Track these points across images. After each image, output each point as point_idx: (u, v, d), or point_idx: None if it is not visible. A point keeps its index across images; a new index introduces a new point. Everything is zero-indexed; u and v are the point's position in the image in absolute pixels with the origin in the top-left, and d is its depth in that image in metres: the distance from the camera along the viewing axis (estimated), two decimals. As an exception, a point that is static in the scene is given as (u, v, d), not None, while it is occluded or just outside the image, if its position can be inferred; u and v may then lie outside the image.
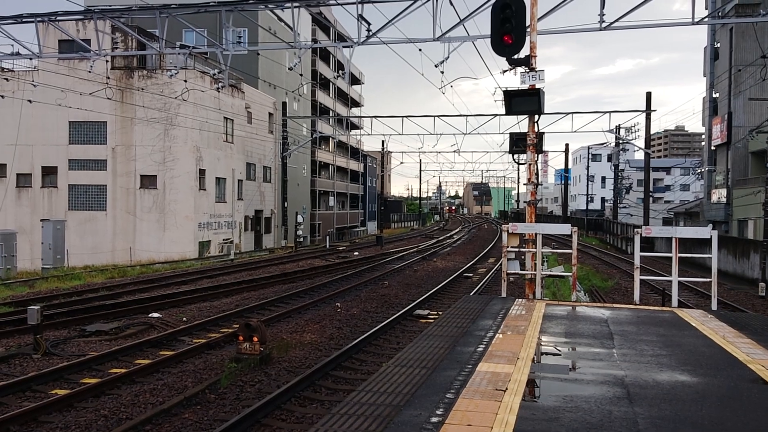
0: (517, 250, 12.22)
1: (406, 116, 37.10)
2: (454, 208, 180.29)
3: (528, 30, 11.99)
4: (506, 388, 5.70)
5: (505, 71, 12.89)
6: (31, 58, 22.13)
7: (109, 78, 34.29)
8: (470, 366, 6.48)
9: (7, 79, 35.87)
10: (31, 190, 37.84)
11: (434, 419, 4.89)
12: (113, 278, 24.34)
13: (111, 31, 33.68)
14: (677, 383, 5.96)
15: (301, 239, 45.02)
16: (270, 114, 48.28)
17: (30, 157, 37.47)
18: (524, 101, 11.77)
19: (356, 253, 36.94)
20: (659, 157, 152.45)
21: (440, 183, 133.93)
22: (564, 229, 11.59)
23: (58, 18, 19.25)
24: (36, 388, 10.02)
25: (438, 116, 37.28)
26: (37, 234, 32.20)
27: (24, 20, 18.91)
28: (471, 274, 26.48)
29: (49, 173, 37.68)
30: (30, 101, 30.55)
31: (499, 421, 4.85)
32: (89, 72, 21.79)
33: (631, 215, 63.85)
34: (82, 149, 37.25)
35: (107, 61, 34.89)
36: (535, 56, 12.07)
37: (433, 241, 50.10)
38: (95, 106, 34.11)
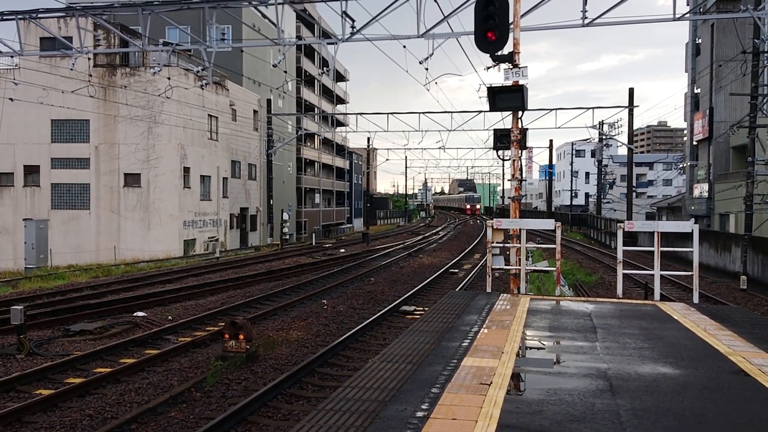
0: (501, 245, 12.29)
1: (392, 113, 37.23)
2: (477, 207, 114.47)
3: (511, 27, 12.04)
4: (491, 382, 5.75)
5: (489, 68, 12.95)
6: (12, 56, 21.88)
7: (91, 76, 33.96)
8: (455, 361, 6.52)
9: (-13, 77, 35.44)
10: (13, 189, 37.43)
11: (420, 414, 4.93)
12: (97, 277, 24.17)
13: (93, 28, 33.32)
14: (659, 375, 6.04)
15: (287, 237, 44.94)
16: (255, 111, 48.09)
17: (12, 156, 37.06)
18: (508, 98, 11.85)
19: (342, 250, 36.93)
20: (642, 152, 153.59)
21: (426, 179, 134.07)
22: (548, 224, 11.68)
23: (40, 15, 19.06)
24: (20, 389, 9.95)
25: (423, 113, 37.38)
26: (20, 233, 31.89)
27: (5, 17, 18.71)
28: (457, 270, 26.57)
29: (32, 172, 37.28)
30: (11, 99, 30.21)
31: (484, 414, 4.90)
32: (71, 70, 21.58)
33: (615, 210, 64.26)
34: (64, 148, 36.89)
35: (89, 59, 34.56)
36: (519, 53, 12.14)
37: (419, 237, 50.18)
38: (78, 104, 33.80)
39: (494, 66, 12.51)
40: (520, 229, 11.73)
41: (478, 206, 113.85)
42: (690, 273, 10.77)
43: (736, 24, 31.38)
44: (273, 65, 20.89)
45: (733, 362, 6.57)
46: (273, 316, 15.94)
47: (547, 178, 64.56)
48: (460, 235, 55.75)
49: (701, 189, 39.36)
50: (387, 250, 35.74)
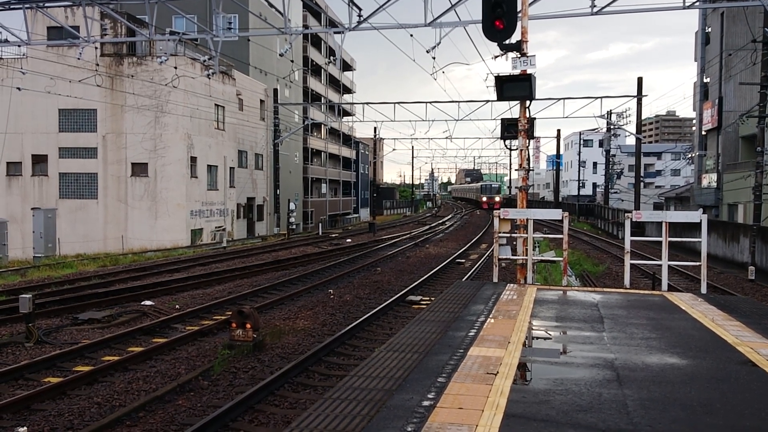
0: (508, 235, 12.27)
1: (398, 102, 37.17)
2: (495, 200, 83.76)
3: (519, 15, 11.96)
4: (497, 372, 5.74)
5: (496, 57, 12.88)
6: (19, 45, 21.93)
7: (98, 65, 34.00)
8: (462, 350, 6.52)
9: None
10: (22, 179, 37.60)
11: (426, 403, 4.93)
12: (105, 266, 24.28)
13: (100, 17, 33.34)
14: (666, 366, 6.02)
15: (294, 226, 44.97)
16: (261, 101, 48.05)
17: (20, 146, 37.20)
18: (515, 87, 11.79)
19: (349, 240, 36.95)
20: (650, 142, 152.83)
21: (432, 169, 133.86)
22: (555, 214, 11.63)
23: (47, 4, 19.05)
24: (29, 377, 10.02)
25: (430, 102, 37.29)
26: (28, 223, 32.04)
27: (12, 7, 18.71)
28: (463, 260, 26.55)
29: (40, 161, 37.44)
30: (19, 89, 30.28)
31: (490, 404, 4.90)
32: (78, 59, 21.59)
33: (622, 200, 64.08)
34: (72, 137, 36.99)
35: (96, 48, 34.59)
36: (527, 41, 12.06)
37: (426, 227, 50.16)
38: (85, 93, 33.85)
39: (502, 55, 12.44)
40: (527, 219, 11.70)
41: (497, 198, 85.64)
42: (698, 263, 10.72)
43: (746, 12, 31.10)
44: (280, 54, 20.82)
45: (740, 353, 6.54)
46: (280, 306, 15.99)
47: (555, 168, 64.36)
48: (466, 226, 55.70)
49: (710, 179, 39.15)
50: (393, 240, 35.75)
